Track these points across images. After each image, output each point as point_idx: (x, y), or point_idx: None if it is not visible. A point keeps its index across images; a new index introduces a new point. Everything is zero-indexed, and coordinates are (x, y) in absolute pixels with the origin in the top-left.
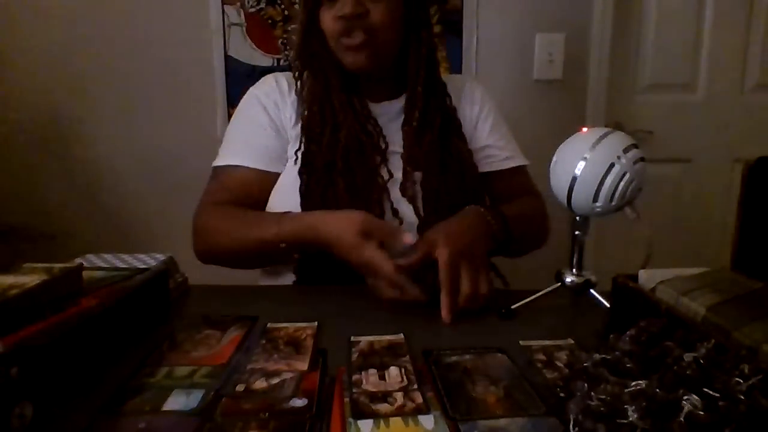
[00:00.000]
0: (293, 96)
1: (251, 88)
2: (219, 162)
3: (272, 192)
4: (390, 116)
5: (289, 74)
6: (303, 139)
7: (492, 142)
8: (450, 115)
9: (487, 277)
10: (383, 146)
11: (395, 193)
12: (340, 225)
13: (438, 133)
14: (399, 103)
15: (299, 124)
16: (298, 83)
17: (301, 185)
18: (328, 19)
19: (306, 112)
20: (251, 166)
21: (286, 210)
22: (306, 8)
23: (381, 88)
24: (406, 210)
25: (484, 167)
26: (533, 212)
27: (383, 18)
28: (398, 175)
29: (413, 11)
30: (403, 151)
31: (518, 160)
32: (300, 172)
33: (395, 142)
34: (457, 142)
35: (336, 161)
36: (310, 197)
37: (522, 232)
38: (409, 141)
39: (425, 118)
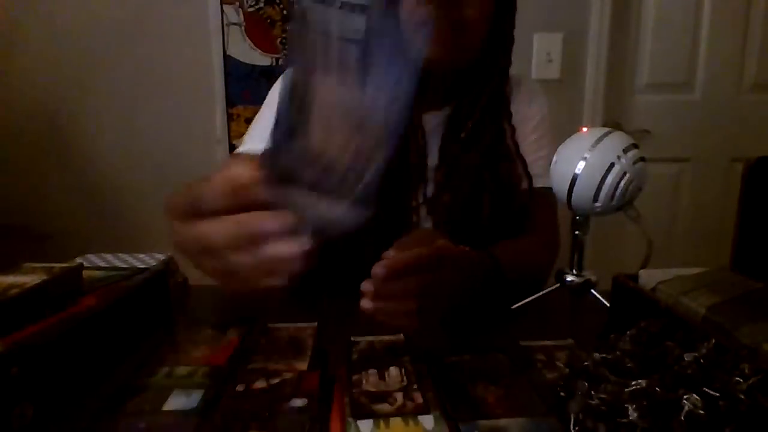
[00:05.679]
0: None
1: (283, 75)
2: (239, 149)
3: None
4: (429, 128)
5: None
6: None
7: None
8: (502, 132)
9: (424, 319)
10: (423, 164)
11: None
12: None
13: (482, 153)
14: (441, 115)
15: None
16: None
17: None
18: (411, 0)
19: None
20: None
21: None
22: None
23: (431, 97)
24: None
25: None
26: (531, 260)
27: (476, 14)
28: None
29: (501, 23)
30: (436, 172)
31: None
32: None
33: (431, 159)
34: (508, 166)
35: None
36: None
37: (513, 282)
38: (446, 159)
39: (473, 135)
